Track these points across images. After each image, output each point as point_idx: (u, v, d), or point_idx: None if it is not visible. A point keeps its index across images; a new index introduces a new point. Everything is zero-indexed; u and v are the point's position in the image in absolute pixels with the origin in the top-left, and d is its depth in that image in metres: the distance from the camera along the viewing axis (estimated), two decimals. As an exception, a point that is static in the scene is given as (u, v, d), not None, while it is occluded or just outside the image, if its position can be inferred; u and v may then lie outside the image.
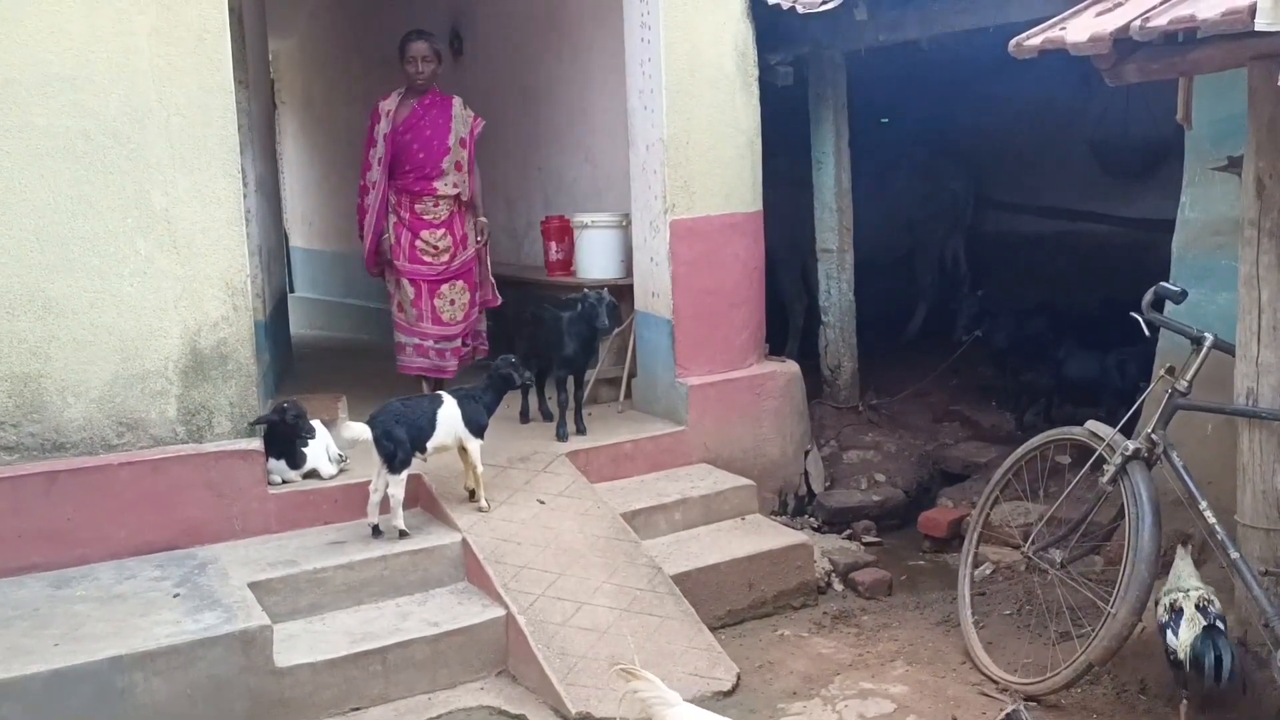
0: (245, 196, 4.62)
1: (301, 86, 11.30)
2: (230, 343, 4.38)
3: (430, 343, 5.71)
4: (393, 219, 5.63)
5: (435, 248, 5.63)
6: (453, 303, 5.72)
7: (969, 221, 8.48)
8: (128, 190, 4.17)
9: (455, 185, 5.63)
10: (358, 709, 3.76)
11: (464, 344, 5.80)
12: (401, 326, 5.74)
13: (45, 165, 4.04)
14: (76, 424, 4.15)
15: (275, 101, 10.77)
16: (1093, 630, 3.70)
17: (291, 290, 10.83)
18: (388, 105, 5.60)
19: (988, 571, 4.88)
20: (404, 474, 4.32)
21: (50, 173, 4.05)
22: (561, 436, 5.25)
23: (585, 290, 5.32)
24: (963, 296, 7.20)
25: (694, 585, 4.44)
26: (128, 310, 4.20)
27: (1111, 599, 3.63)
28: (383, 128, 5.55)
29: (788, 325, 7.47)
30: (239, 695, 3.54)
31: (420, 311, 5.67)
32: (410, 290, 5.66)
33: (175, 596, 3.79)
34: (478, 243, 5.78)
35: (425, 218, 5.61)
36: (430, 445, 4.39)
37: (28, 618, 3.63)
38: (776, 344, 6.40)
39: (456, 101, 5.67)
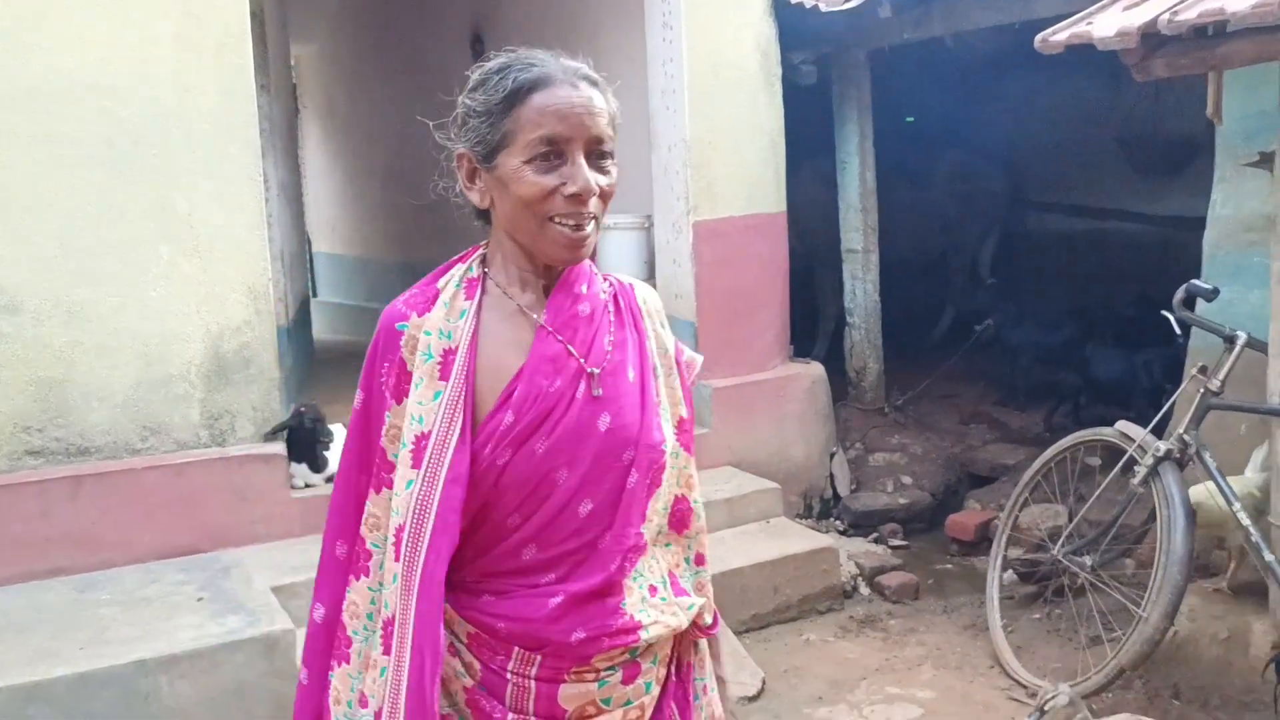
0: (267, 201, 4.63)
1: (324, 91, 11.36)
2: (252, 347, 4.39)
3: None
4: None
5: None
6: None
7: (1005, 222, 8.40)
8: (151, 196, 4.18)
9: (696, 597, 1.77)
10: (381, 713, 3.75)
11: None
12: None
13: (69, 172, 4.06)
14: (101, 428, 4.17)
15: (297, 106, 10.83)
16: (1124, 634, 3.64)
17: (314, 295, 10.89)
18: (433, 323, 1.54)
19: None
20: None
21: (74, 180, 4.07)
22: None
23: None
24: (977, 287, 7.19)
25: (718, 589, 4.36)
26: (151, 315, 4.21)
27: (1143, 602, 3.57)
28: (439, 415, 1.51)
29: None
30: (263, 699, 3.53)
31: None
32: None
33: (199, 600, 3.79)
34: None
35: None
36: None
37: (54, 621, 3.64)
38: (809, 347, 6.37)
39: (640, 289, 1.73)
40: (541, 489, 1.53)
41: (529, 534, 1.55)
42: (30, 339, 4.05)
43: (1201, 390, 3.67)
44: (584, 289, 1.61)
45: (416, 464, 1.50)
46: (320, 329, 9.44)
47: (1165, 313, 3.79)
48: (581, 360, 1.56)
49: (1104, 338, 6.18)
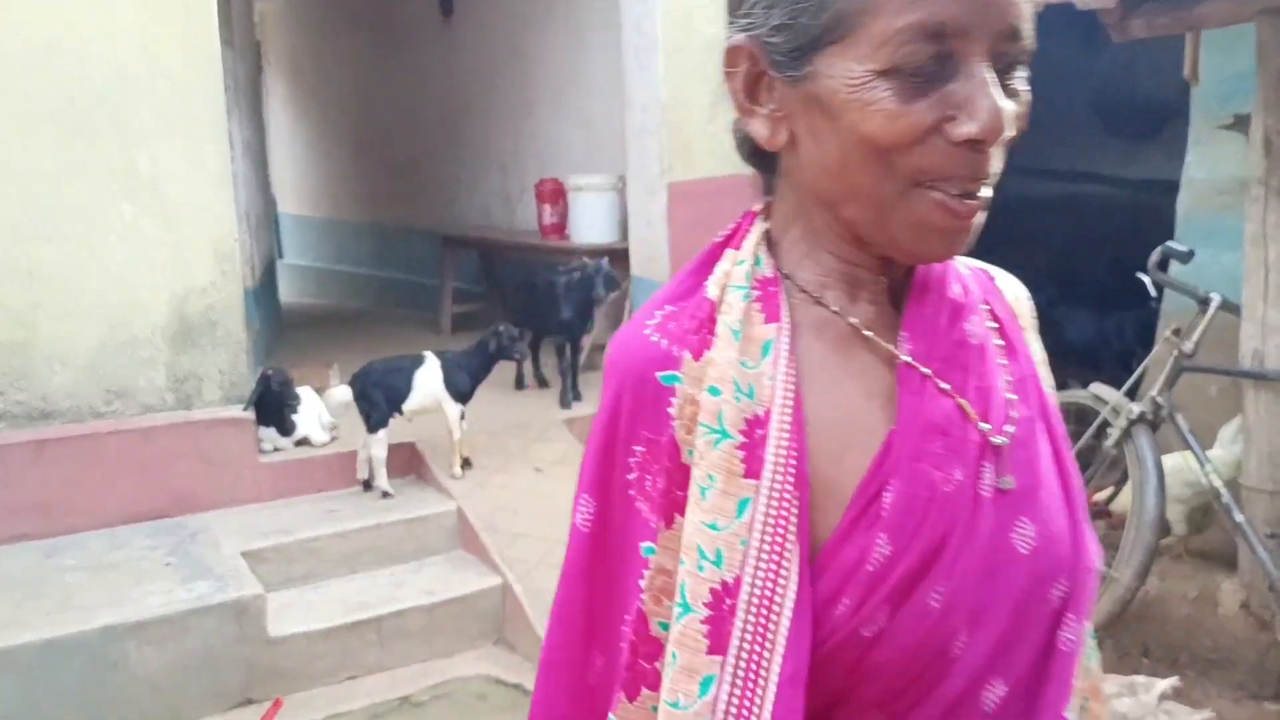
0: (232, 161, 4.54)
1: (289, 49, 11.14)
2: (218, 309, 4.32)
3: None
4: None
5: None
6: None
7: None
8: (114, 157, 4.09)
9: None
10: (353, 678, 3.73)
11: None
12: None
13: (31, 133, 3.96)
14: (64, 391, 4.09)
15: (261, 64, 10.62)
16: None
17: (281, 257, 10.75)
18: (722, 372, 0.81)
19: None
20: (381, 434, 4.26)
21: (36, 141, 3.97)
22: (565, 404, 5.20)
23: (584, 259, 5.27)
24: None
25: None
26: (115, 277, 4.13)
27: (1115, 562, 3.59)
28: (753, 547, 0.79)
29: None
30: (233, 665, 3.51)
31: None
32: None
33: (167, 566, 3.75)
34: None
35: None
36: (406, 407, 4.32)
37: (19, 588, 3.59)
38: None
39: (1005, 282, 0.99)
40: (930, 672, 0.80)
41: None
42: (-11, 301, 3.97)
43: (1174, 353, 3.67)
44: (958, 290, 0.90)
45: (717, 647, 0.79)
46: (287, 292, 9.33)
47: (1140, 274, 3.79)
48: (982, 425, 0.84)
49: (1076, 301, 6.20)
